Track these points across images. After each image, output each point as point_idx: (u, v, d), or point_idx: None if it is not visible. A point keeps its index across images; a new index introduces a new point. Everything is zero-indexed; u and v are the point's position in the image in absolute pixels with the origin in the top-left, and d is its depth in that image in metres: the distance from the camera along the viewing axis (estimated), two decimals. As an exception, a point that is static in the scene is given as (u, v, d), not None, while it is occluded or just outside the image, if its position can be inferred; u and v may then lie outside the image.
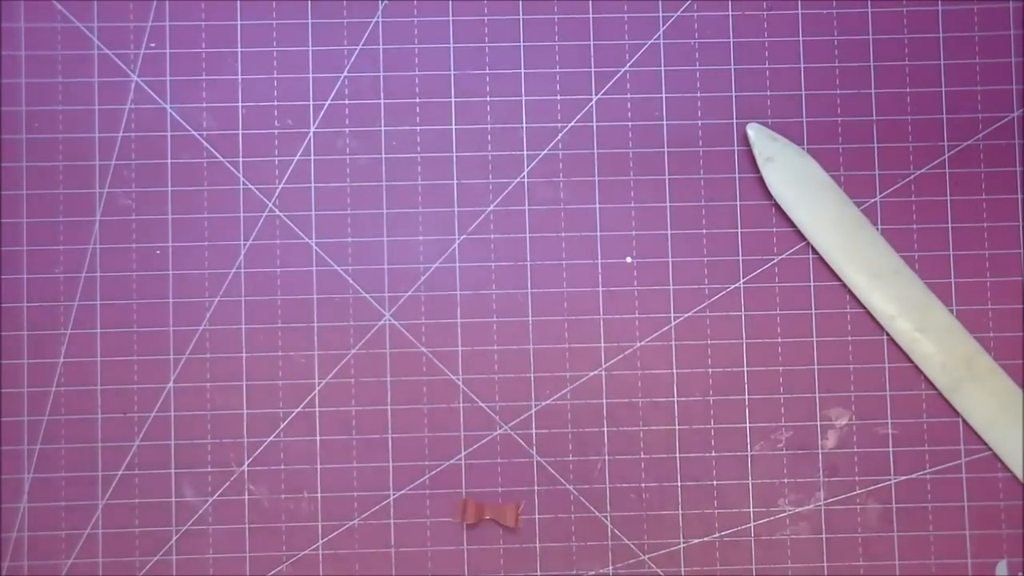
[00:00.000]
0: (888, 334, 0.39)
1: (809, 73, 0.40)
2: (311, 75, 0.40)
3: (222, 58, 0.40)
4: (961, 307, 0.39)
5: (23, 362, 0.38)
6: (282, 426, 0.39)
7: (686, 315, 0.39)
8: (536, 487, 0.39)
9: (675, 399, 0.39)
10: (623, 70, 0.40)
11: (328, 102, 0.40)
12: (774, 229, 0.39)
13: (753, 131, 0.39)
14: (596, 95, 0.40)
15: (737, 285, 0.39)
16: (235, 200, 0.39)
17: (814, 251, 0.39)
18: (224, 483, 0.39)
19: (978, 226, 0.39)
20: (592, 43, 0.40)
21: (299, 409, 0.39)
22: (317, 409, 0.39)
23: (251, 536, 0.39)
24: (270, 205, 0.39)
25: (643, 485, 0.39)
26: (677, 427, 0.39)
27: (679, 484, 0.38)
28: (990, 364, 0.39)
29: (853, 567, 0.38)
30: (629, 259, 0.39)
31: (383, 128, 0.40)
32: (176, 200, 0.39)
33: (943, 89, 0.40)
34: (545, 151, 0.40)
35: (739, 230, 0.39)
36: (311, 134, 0.40)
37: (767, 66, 0.40)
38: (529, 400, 0.39)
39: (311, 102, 0.40)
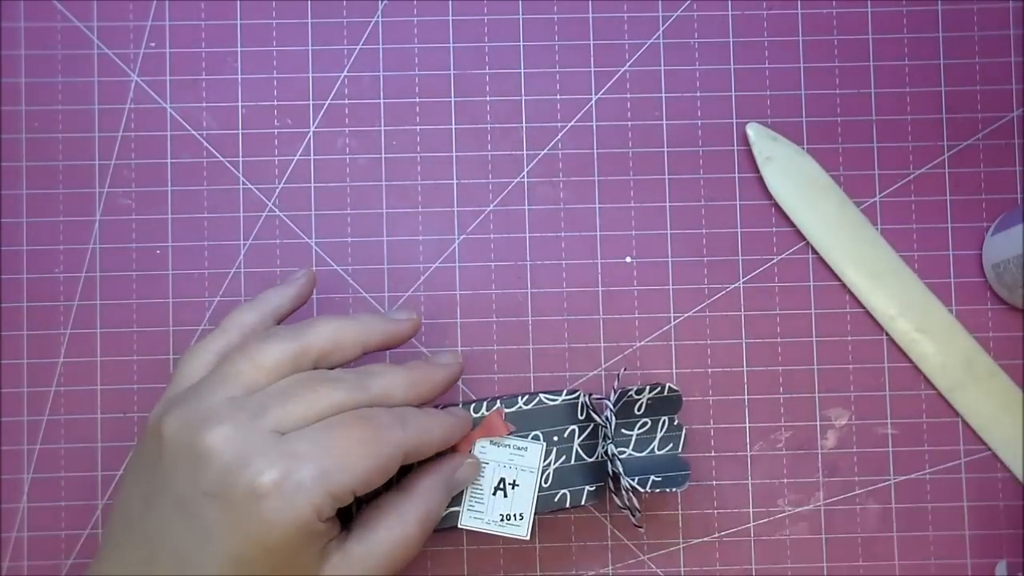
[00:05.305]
0: (888, 334, 0.39)
1: (809, 73, 0.40)
2: (311, 75, 0.40)
3: (222, 58, 0.40)
4: (961, 307, 0.39)
5: (23, 362, 0.38)
6: (282, 426, 0.39)
7: (686, 315, 0.39)
8: (536, 487, 0.39)
9: (675, 399, 0.39)
10: (623, 70, 0.40)
11: (328, 102, 0.40)
12: (774, 229, 0.39)
13: (753, 131, 0.39)
14: (596, 95, 0.40)
15: (737, 285, 0.39)
16: (235, 200, 0.39)
17: (814, 251, 0.39)
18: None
19: (978, 226, 0.39)
20: (592, 43, 0.40)
21: (299, 409, 0.39)
22: (317, 409, 0.39)
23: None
24: (270, 205, 0.39)
25: (643, 485, 0.38)
26: (677, 427, 0.39)
27: (679, 484, 0.38)
28: (990, 364, 0.39)
29: (853, 567, 0.38)
30: (629, 259, 0.39)
31: (383, 128, 0.40)
32: (176, 200, 0.39)
33: (943, 89, 0.40)
34: (545, 151, 0.40)
35: (739, 230, 0.39)
36: (311, 134, 0.40)
37: (767, 66, 0.40)
38: (529, 400, 0.39)
39: (311, 102, 0.40)
